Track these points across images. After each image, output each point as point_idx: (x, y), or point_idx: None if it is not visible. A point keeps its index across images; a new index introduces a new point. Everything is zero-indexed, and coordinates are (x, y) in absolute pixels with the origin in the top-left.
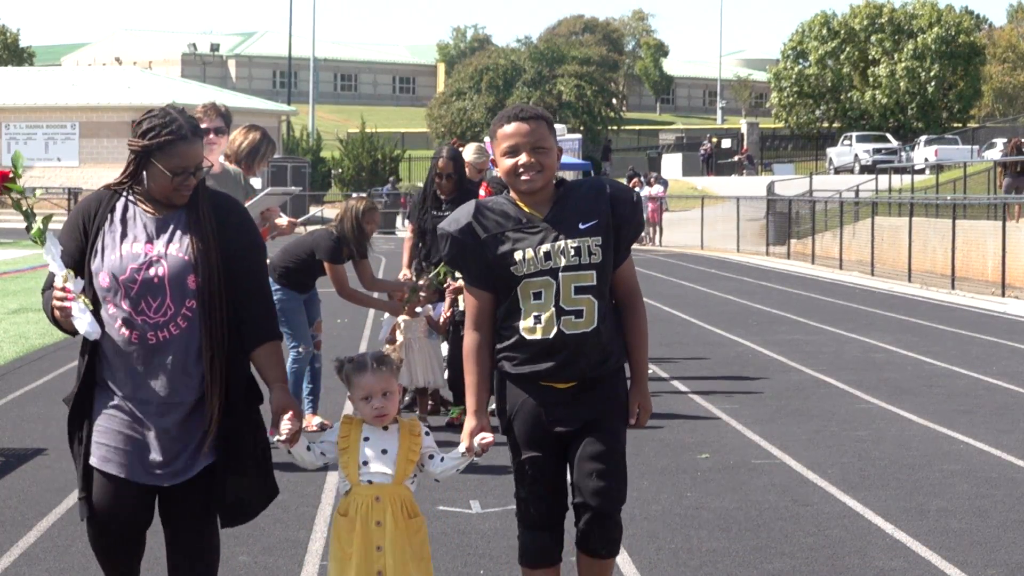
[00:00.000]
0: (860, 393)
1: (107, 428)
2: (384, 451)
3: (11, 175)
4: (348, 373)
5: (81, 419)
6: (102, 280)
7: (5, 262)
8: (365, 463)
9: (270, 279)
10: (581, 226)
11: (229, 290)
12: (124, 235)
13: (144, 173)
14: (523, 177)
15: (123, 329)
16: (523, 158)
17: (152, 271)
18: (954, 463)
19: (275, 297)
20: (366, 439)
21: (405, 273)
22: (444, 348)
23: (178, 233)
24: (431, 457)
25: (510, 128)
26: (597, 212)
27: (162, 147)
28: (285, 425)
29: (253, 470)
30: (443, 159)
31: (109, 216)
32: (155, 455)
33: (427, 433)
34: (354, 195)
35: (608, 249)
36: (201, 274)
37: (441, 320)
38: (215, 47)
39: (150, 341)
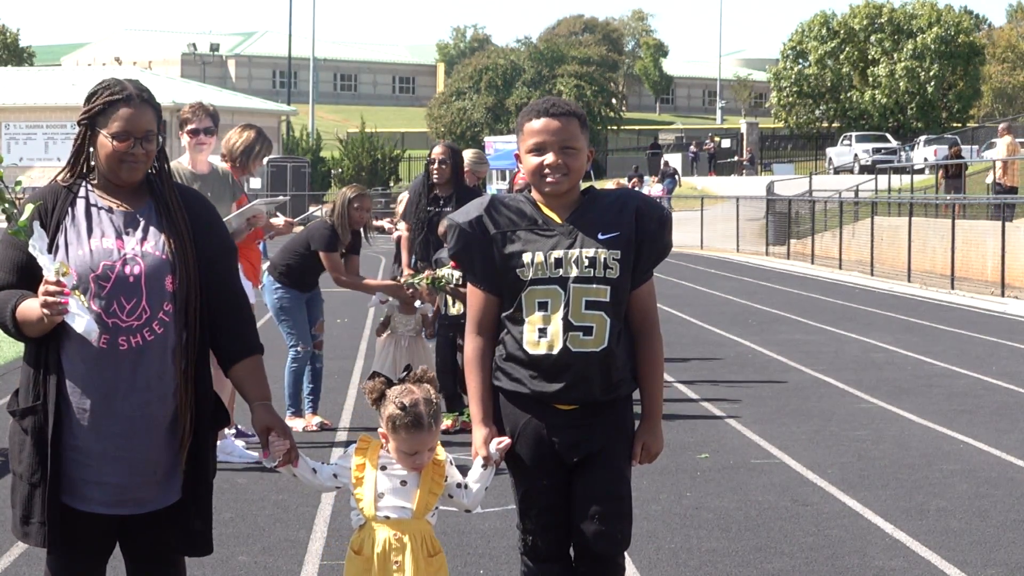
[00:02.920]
0: (860, 393)
1: (68, 454)
2: (403, 482)
3: None
4: (396, 423)
5: (42, 439)
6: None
7: None
8: (381, 495)
9: (270, 277)
10: (600, 236)
11: (204, 295)
12: (90, 230)
13: (93, 151)
14: (548, 179)
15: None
16: (549, 158)
17: (127, 269)
18: (954, 463)
19: (275, 296)
20: (383, 468)
21: (407, 274)
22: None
23: (151, 229)
24: (459, 486)
25: (538, 124)
26: (620, 224)
27: (104, 110)
28: (275, 446)
29: (211, 496)
30: (441, 146)
31: (69, 210)
32: (122, 480)
33: (451, 463)
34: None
35: (627, 265)
36: (179, 274)
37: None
38: (215, 47)
39: (122, 347)
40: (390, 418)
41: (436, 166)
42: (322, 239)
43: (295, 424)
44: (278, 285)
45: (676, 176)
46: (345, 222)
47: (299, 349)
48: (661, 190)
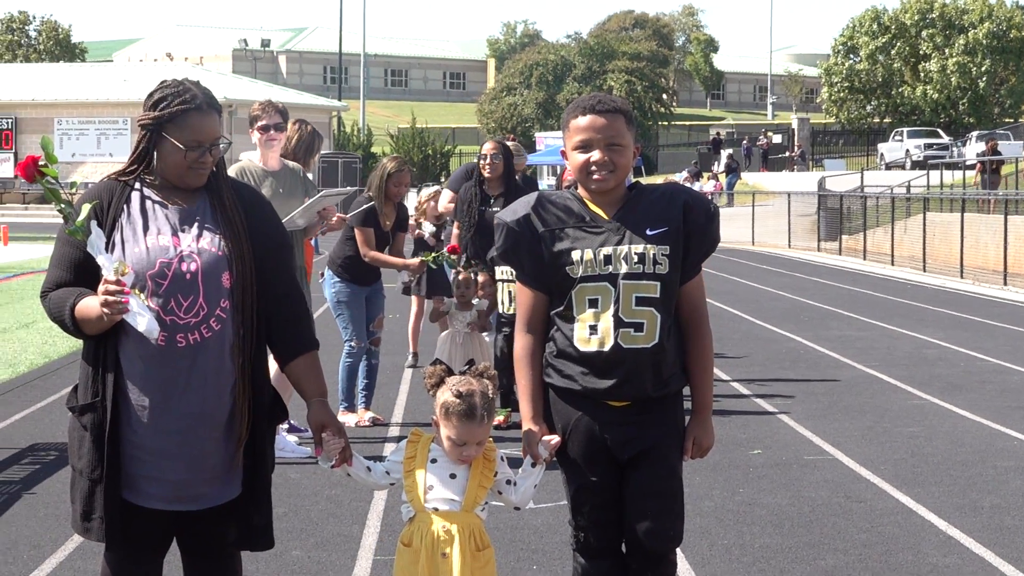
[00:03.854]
0: (912, 389)
1: (127, 450)
2: (452, 476)
3: (43, 161)
4: (449, 410)
5: (101, 436)
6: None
7: (42, 260)
8: (430, 487)
9: (329, 271)
10: (649, 232)
11: (260, 291)
12: (146, 227)
13: (156, 153)
14: (594, 176)
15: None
16: (596, 155)
17: (184, 266)
18: (1007, 459)
19: (333, 289)
20: (433, 461)
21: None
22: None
23: (207, 226)
24: (508, 483)
25: (584, 121)
26: (668, 219)
27: (174, 118)
28: (330, 445)
29: (269, 491)
30: (491, 142)
31: (125, 207)
32: (180, 476)
33: (502, 459)
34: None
35: (676, 260)
36: (236, 271)
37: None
38: (266, 43)
39: (179, 344)
40: (444, 404)
41: (488, 161)
42: (357, 214)
43: (347, 419)
44: (336, 279)
45: (738, 170)
46: (382, 195)
47: (353, 344)
48: (715, 186)
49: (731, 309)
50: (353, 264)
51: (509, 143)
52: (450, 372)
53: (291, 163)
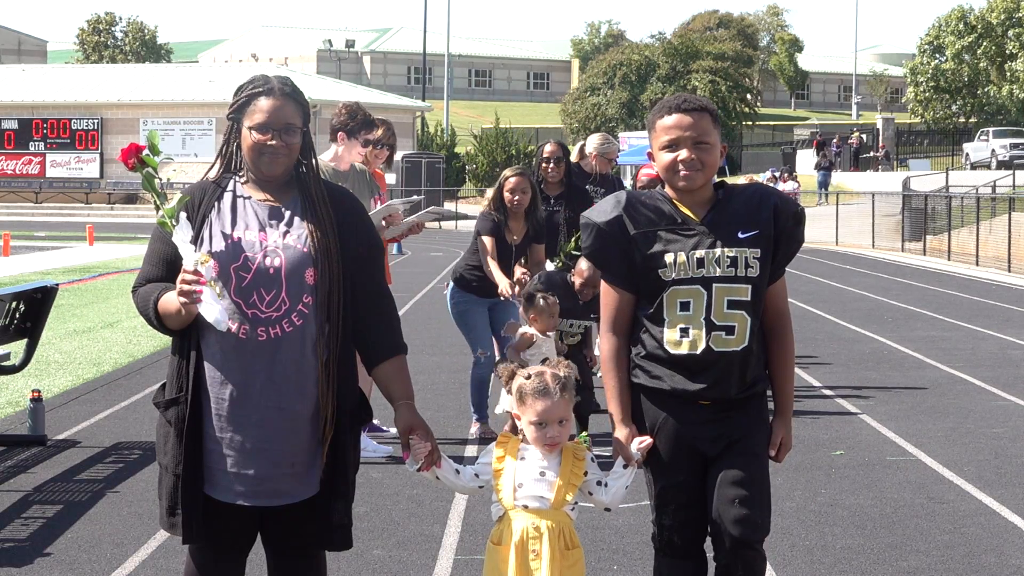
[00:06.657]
0: (996, 390)
1: (208, 445)
2: (542, 473)
3: (146, 152)
4: (524, 392)
5: (180, 429)
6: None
7: (127, 260)
8: (520, 485)
9: (451, 282)
10: (740, 235)
11: (348, 291)
12: (234, 222)
13: (241, 146)
14: (682, 174)
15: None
16: (683, 153)
17: (268, 261)
18: None
19: (452, 301)
20: (522, 459)
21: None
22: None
23: (295, 222)
24: (598, 483)
25: (670, 120)
26: (759, 222)
27: (248, 103)
28: (417, 448)
29: (351, 492)
30: (552, 144)
31: (216, 204)
32: (259, 472)
33: (592, 459)
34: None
35: (766, 263)
36: (320, 267)
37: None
38: (350, 43)
39: (260, 338)
40: (519, 389)
41: (552, 165)
42: (480, 221)
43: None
44: (456, 289)
45: (831, 169)
46: (500, 203)
47: (478, 354)
48: (796, 187)
49: (814, 310)
50: (472, 276)
51: (596, 135)
52: (529, 377)
53: (359, 165)
